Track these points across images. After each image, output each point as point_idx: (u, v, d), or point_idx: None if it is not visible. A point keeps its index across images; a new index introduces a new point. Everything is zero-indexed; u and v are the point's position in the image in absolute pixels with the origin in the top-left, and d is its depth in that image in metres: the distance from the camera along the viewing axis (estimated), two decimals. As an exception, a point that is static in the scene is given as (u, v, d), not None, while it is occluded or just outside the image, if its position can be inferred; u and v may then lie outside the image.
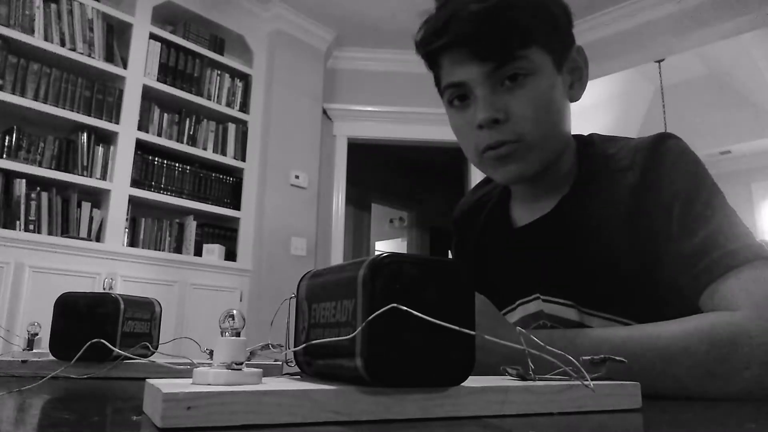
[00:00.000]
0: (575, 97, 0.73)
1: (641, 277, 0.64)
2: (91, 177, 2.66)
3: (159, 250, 2.90)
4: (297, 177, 3.41)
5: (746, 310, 0.53)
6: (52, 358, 0.59)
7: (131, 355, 0.50)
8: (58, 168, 2.57)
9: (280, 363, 0.46)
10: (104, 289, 2.52)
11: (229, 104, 3.26)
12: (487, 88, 0.67)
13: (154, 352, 0.61)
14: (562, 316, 0.70)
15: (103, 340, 0.49)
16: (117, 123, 2.75)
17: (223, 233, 3.17)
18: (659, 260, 0.63)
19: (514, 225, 0.79)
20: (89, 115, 2.67)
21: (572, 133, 0.76)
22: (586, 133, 0.79)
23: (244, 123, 3.31)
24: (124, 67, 2.83)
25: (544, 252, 0.73)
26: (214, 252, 3.02)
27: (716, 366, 0.51)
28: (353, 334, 0.31)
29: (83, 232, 2.63)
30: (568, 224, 0.72)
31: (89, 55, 2.69)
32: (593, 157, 0.73)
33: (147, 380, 0.33)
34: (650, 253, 0.64)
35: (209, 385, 0.31)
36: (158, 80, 2.95)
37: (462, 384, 0.33)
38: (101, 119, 2.70)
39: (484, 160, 0.71)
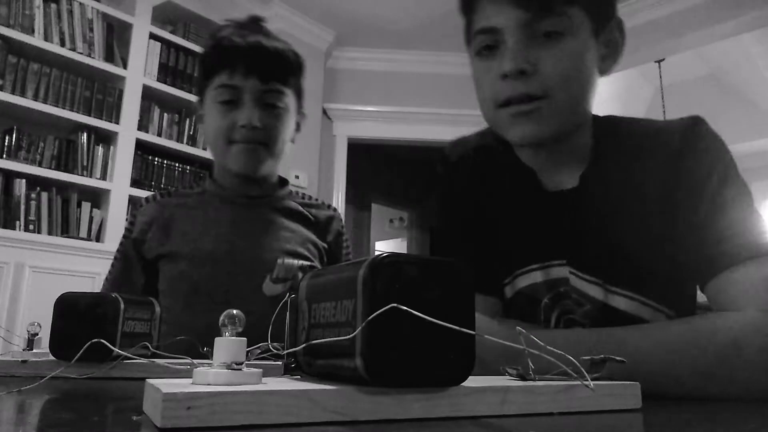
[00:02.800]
0: (605, 71, 0.70)
1: (669, 258, 0.64)
2: (91, 177, 2.66)
3: (159, 250, 2.90)
4: (297, 177, 3.41)
5: (749, 313, 0.53)
6: (52, 358, 0.59)
7: (131, 355, 0.50)
8: (58, 168, 2.57)
9: (280, 363, 0.46)
10: (104, 289, 2.52)
11: (229, 104, 3.26)
12: (520, 39, 0.64)
13: (154, 352, 0.61)
14: (586, 292, 0.68)
15: (103, 340, 0.49)
16: (117, 123, 2.75)
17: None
18: (684, 241, 0.63)
19: (546, 188, 0.74)
20: (89, 115, 2.67)
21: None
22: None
23: (244, 123, 3.31)
24: (124, 67, 2.83)
25: (574, 223, 0.70)
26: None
27: (717, 368, 0.51)
28: (353, 334, 0.31)
29: (83, 232, 2.63)
30: (595, 199, 0.69)
31: (89, 55, 2.69)
32: (618, 135, 0.71)
33: (147, 380, 0.33)
34: (678, 234, 0.63)
35: (209, 385, 0.31)
36: (158, 80, 2.94)
37: (462, 384, 0.33)
38: (101, 119, 2.70)
39: (500, 115, 0.67)
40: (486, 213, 0.79)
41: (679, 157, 0.65)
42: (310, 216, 1.09)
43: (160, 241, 1.01)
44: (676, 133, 0.66)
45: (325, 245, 1.09)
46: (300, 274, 0.95)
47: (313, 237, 1.07)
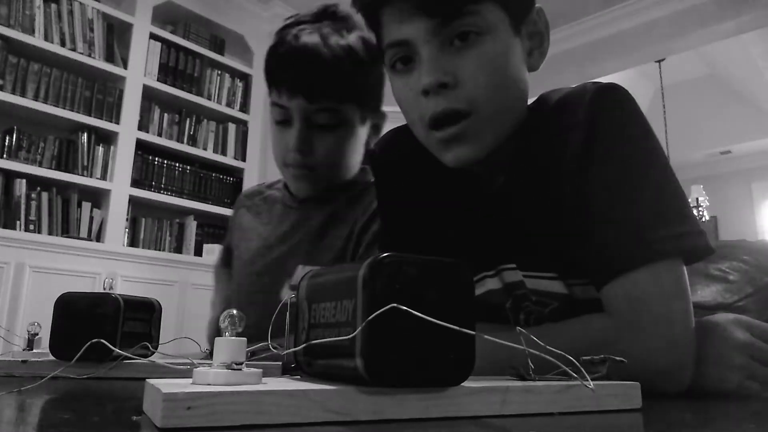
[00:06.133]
0: (534, 66, 0.64)
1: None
2: (91, 177, 2.66)
3: (159, 250, 2.91)
4: (297, 177, 3.41)
5: (614, 319, 0.54)
6: (52, 358, 0.59)
7: (131, 355, 0.50)
8: (58, 168, 2.58)
9: (280, 363, 0.46)
10: (104, 289, 2.52)
11: (229, 104, 3.26)
12: (434, 48, 0.58)
13: (154, 352, 0.61)
14: (549, 290, 0.63)
15: (103, 340, 0.49)
16: (117, 123, 2.75)
17: (224, 233, 3.16)
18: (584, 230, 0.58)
19: (484, 191, 0.69)
20: (89, 115, 2.67)
21: None
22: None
23: (244, 123, 3.31)
24: (125, 67, 2.83)
25: (513, 222, 0.65)
26: (214, 252, 3.02)
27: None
28: (353, 334, 0.31)
29: (83, 232, 2.63)
30: (527, 192, 0.64)
31: (89, 55, 2.70)
32: (540, 116, 0.65)
33: (147, 380, 0.33)
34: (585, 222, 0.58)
35: (209, 385, 0.31)
36: (158, 80, 2.95)
37: (462, 384, 0.33)
38: (101, 119, 2.70)
39: (431, 139, 0.61)
40: (424, 222, 0.73)
41: (583, 135, 0.58)
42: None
43: (232, 231, 1.12)
44: (583, 105, 0.59)
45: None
46: None
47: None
